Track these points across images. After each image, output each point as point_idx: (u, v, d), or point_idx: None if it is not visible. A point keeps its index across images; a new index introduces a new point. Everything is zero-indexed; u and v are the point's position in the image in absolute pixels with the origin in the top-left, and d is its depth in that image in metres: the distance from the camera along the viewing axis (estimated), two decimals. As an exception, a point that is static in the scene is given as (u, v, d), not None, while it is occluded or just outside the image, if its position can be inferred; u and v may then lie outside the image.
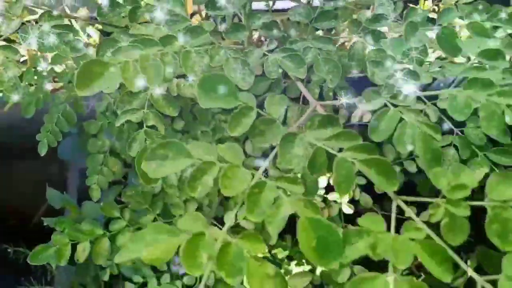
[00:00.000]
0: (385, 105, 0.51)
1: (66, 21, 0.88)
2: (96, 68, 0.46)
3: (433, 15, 0.84)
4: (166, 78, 0.53)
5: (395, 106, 0.50)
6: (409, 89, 0.52)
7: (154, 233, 0.40)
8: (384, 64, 0.54)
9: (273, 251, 0.96)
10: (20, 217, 0.87)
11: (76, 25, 1.15)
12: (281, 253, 0.96)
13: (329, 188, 0.88)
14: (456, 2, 0.80)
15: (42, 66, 0.78)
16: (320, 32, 0.76)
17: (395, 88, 0.53)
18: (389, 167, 0.42)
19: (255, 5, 1.08)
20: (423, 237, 0.41)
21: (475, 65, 0.51)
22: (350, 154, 0.45)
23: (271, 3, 1.13)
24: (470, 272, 0.41)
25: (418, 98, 0.55)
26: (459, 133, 0.69)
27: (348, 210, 0.87)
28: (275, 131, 0.51)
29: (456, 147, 0.69)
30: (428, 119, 0.60)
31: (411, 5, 0.90)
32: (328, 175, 0.89)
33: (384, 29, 0.71)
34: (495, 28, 0.65)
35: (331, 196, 0.88)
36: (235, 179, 0.43)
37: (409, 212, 0.45)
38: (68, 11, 1.16)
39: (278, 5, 1.16)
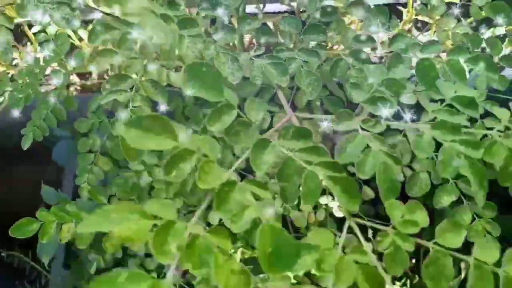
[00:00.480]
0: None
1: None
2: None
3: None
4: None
5: (365, 130, 0.53)
6: (383, 114, 0.55)
7: (124, 212, 0.41)
8: (362, 87, 0.57)
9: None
10: (14, 220, 0.88)
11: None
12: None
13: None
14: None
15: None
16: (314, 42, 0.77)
17: (368, 112, 0.56)
18: (354, 187, 0.45)
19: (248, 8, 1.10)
20: (366, 262, 0.43)
21: (446, 108, 0.53)
22: (319, 169, 0.47)
23: (261, 5, 1.15)
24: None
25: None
26: (435, 157, 0.72)
27: (339, 214, 0.89)
28: (250, 134, 0.53)
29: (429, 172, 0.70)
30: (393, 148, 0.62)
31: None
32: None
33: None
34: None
35: (322, 200, 0.90)
36: (211, 174, 0.45)
37: (359, 235, 0.47)
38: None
39: (269, 8, 1.18)
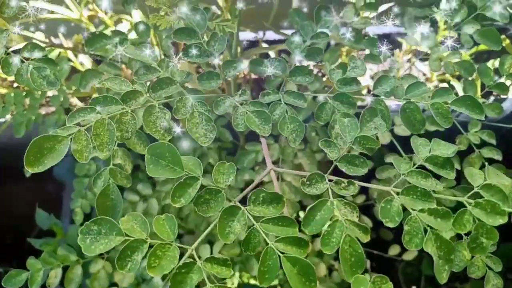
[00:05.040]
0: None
1: (55, 52, 0.91)
2: (47, 143, 0.47)
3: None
4: (122, 139, 0.54)
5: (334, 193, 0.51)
6: (358, 173, 0.53)
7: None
8: (335, 145, 0.55)
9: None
10: (15, 235, 0.90)
11: (69, 53, 1.17)
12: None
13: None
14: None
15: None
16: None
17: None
18: (311, 272, 0.44)
19: (242, 35, 1.09)
20: None
21: (419, 170, 0.51)
22: (280, 246, 0.46)
23: (260, 34, 1.15)
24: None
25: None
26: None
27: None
28: (220, 201, 0.52)
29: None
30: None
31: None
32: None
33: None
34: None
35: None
36: (164, 258, 0.44)
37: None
38: (62, 39, 1.19)
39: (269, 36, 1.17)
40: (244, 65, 0.71)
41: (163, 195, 1.07)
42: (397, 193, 0.51)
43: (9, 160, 1.04)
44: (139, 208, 1.06)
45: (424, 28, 0.90)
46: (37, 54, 0.71)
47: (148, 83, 0.65)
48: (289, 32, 1.14)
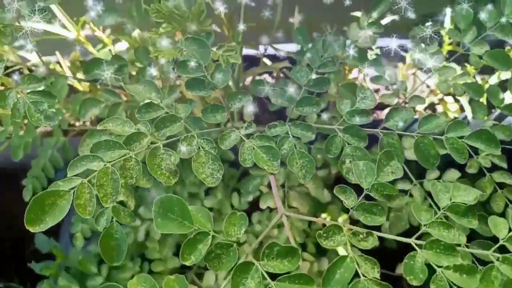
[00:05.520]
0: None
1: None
2: (48, 200, 0.44)
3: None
4: (126, 186, 0.52)
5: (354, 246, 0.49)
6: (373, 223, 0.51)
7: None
8: (351, 193, 0.53)
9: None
10: (15, 251, 0.89)
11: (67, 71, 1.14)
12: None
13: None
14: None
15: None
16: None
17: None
18: None
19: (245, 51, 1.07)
20: None
21: (441, 220, 0.49)
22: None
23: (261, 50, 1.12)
24: None
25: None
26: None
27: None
28: (232, 256, 0.49)
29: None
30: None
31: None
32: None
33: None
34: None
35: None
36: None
37: None
38: (60, 57, 1.16)
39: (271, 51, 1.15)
40: (249, 97, 0.69)
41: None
42: (419, 245, 0.48)
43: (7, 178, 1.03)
44: (141, 233, 1.03)
45: (431, 49, 0.88)
46: (35, 86, 0.68)
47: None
48: (288, 46, 1.13)
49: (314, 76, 0.70)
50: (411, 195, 0.80)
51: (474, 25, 0.83)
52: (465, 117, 1.23)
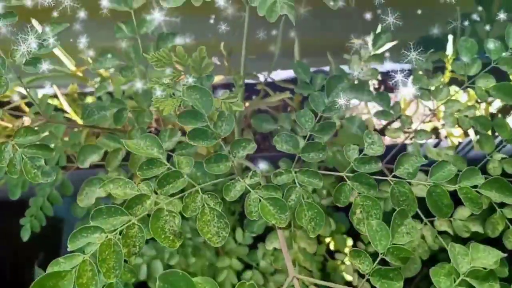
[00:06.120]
0: None
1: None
2: (49, 282, 0.42)
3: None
4: (129, 256, 0.50)
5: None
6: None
7: None
8: (366, 258, 0.51)
9: None
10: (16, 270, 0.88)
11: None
12: None
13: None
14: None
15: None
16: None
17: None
18: None
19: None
20: None
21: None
22: None
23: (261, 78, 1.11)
24: None
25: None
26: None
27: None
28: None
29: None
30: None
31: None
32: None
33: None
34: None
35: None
36: None
37: None
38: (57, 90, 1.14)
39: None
40: (253, 145, 0.67)
41: (167, 256, 1.02)
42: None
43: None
44: (142, 271, 1.01)
45: (434, 82, 0.86)
46: (31, 139, 0.66)
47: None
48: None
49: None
50: (422, 236, 0.79)
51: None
52: (470, 141, 1.22)
